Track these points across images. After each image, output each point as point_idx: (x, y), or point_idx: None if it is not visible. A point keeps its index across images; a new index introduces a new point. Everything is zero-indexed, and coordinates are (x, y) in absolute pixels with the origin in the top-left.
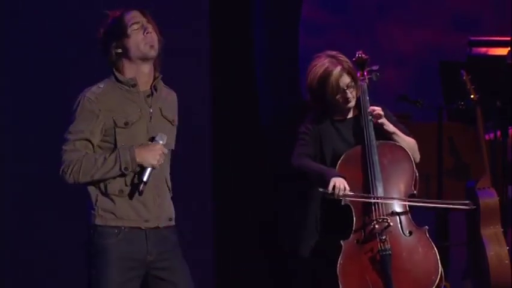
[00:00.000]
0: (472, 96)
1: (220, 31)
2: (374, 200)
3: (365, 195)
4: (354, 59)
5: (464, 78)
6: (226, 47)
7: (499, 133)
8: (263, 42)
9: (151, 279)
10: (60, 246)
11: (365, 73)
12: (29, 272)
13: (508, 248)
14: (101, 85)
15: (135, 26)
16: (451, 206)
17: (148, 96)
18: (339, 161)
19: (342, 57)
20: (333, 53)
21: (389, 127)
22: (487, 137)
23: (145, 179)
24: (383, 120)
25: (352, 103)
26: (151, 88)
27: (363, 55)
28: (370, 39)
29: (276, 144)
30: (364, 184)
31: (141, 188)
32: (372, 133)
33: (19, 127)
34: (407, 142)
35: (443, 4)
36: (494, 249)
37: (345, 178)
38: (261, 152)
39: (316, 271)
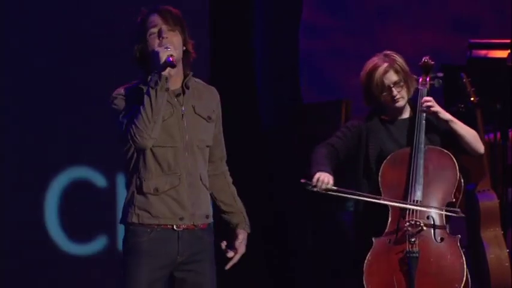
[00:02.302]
0: (472, 98)
1: (220, 32)
2: (357, 197)
3: (348, 190)
4: (419, 63)
5: (464, 80)
6: (226, 48)
7: (499, 135)
8: (263, 44)
9: (176, 280)
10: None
11: (427, 78)
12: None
13: (508, 250)
14: (132, 84)
15: (153, 30)
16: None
17: (178, 95)
18: (385, 161)
19: (395, 56)
20: (388, 52)
21: (445, 115)
22: (487, 139)
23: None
24: (436, 108)
25: (401, 103)
26: (182, 87)
27: (429, 61)
28: (370, 42)
29: (276, 145)
30: (406, 186)
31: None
32: (423, 136)
33: (19, 127)
34: (466, 130)
35: (444, 7)
36: (495, 251)
37: (330, 174)
38: (261, 152)
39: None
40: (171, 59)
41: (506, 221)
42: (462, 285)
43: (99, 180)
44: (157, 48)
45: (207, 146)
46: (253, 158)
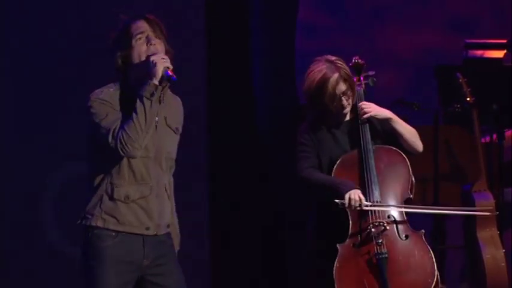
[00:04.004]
0: (468, 98)
1: (217, 33)
2: (387, 208)
3: (380, 204)
4: (350, 64)
5: (460, 80)
6: (223, 49)
7: (495, 135)
8: (261, 44)
9: (145, 284)
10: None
11: (361, 78)
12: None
13: (504, 250)
14: (110, 88)
15: (139, 36)
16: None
17: None
18: (335, 166)
19: (340, 64)
20: (332, 58)
21: (383, 114)
22: (483, 139)
23: (166, 76)
24: (372, 112)
25: (347, 109)
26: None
27: (359, 60)
28: (367, 42)
29: (274, 145)
30: (361, 189)
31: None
32: (368, 137)
33: (19, 127)
34: (405, 128)
35: (443, 7)
36: (491, 251)
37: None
38: (260, 152)
39: (313, 274)
40: (169, 73)
41: (503, 222)
42: (434, 279)
43: None
44: (153, 58)
45: (171, 158)
46: (252, 158)
